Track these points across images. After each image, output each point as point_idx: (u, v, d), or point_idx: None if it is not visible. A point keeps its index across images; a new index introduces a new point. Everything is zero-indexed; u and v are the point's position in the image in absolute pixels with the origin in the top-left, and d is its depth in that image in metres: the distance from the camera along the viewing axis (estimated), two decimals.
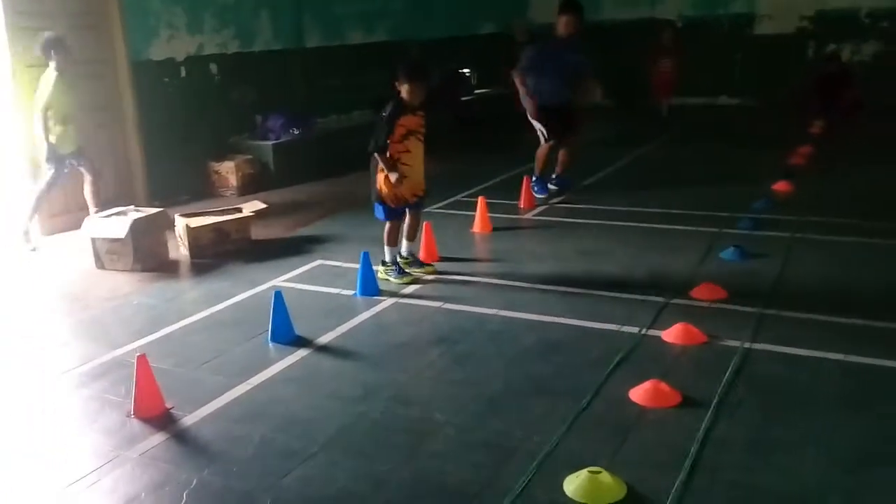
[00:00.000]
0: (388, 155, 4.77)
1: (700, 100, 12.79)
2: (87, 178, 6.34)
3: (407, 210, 5.05)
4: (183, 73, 7.87)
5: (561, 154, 7.17)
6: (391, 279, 4.96)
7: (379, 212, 4.97)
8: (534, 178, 7.04)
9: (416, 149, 4.88)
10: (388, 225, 5.00)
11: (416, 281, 4.98)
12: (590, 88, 7.25)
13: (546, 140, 6.95)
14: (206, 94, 8.12)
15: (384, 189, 4.87)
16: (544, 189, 7.07)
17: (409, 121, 4.80)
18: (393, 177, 4.74)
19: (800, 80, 11.08)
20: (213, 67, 8.21)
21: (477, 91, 12.23)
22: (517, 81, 6.83)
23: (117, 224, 5.53)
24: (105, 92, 7.18)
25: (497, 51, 12.82)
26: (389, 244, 5.03)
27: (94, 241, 5.59)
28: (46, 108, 5.97)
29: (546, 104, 6.82)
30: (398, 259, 5.09)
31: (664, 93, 12.03)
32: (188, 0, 7.83)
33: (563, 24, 6.76)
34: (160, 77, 7.66)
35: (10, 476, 3.03)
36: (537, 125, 6.94)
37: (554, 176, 7.21)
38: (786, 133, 9.59)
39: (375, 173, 4.91)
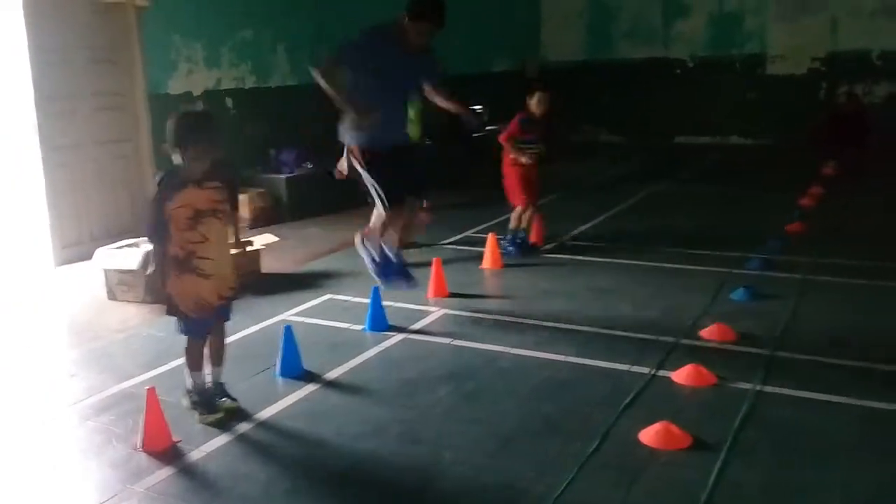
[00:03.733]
0: (169, 254, 3.47)
1: (712, 139, 12.85)
2: None
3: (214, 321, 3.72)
4: (200, 107, 7.98)
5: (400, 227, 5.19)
6: (197, 417, 3.64)
7: (178, 325, 3.65)
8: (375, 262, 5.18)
9: (216, 234, 3.53)
10: (187, 342, 3.68)
11: (223, 421, 3.62)
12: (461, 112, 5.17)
13: (385, 207, 4.89)
14: (222, 127, 8.18)
15: (176, 296, 3.53)
16: (388, 275, 5.13)
17: (192, 197, 3.44)
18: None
19: (817, 119, 11.10)
20: (230, 101, 8.33)
21: (489, 127, 12.30)
22: (334, 85, 4.66)
23: (129, 255, 5.56)
24: (123, 124, 7.28)
25: (510, 88, 12.96)
26: (192, 367, 3.71)
27: (105, 272, 5.62)
28: None
29: (378, 144, 4.80)
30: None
31: None
32: (207, 35, 7.97)
33: (416, 34, 4.74)
34: (177, 110, 7.74)
35: None
36: (368, 180, 4.88)
37: (390, 254, 5.17)
38: (798, 173, 9.59)
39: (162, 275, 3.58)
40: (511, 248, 6.35)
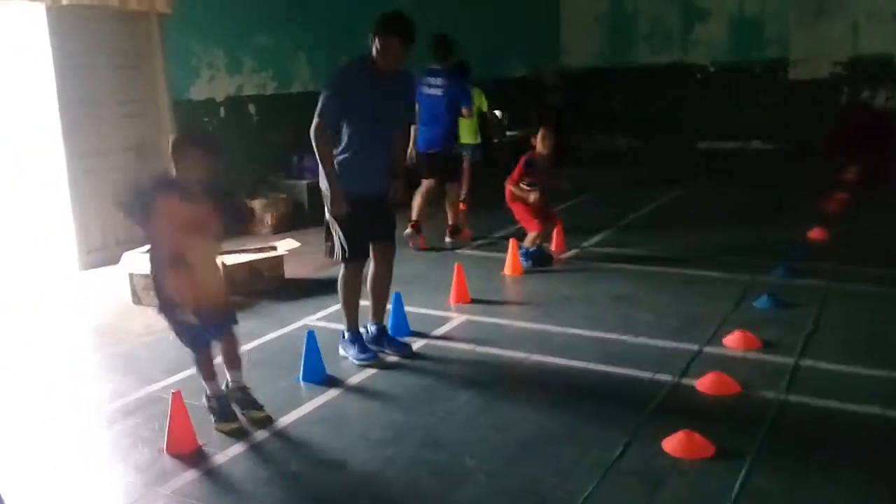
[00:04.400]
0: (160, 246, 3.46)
1: (734, 144, 12.78)
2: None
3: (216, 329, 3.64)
4: (222, 114, 8.07)
5: (372, 286, 4.55)
6: (214, 425, 3.62)
7: (178, 334, 3.64)
8: (347, 336, 4.51)
9: (198, 249, 3.46)
10: (192, 355, 3.68)
11: (240, 431, 3.59)
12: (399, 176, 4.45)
13: (346, 260, 4.37)
14: (244, 133, 8.29)
15: (171, 288, 3.45)
16: (365, 351, 4.44)
17: (177, 205, 3.37)
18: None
19: (833, 127, 11.02)
20: (252, 108, 8.40)
21: (508, 133, 12.32)
22: (321, 155, 4.18)
23: None
24: (146, 130, 7.36)
25: (528, 93, 12.98)
26: (204, 378, 3.68)
27: (131, 276, 5.69)
28: None
29: (357, 192, 4.21)
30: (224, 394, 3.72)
31: None
32: (229, 42, 8.05)
33: (387, 53, 4.15)
34: (200, 116, 7.86)
35: None
36: (336, 230, 4.32)
37: (372, 327, 4.59)
38: (820, 179, 9.51)
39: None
40: (525, 260, 6.25)
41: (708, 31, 13.01)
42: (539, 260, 6.30)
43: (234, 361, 3.78)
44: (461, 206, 7.54)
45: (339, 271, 4.46)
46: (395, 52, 4.12)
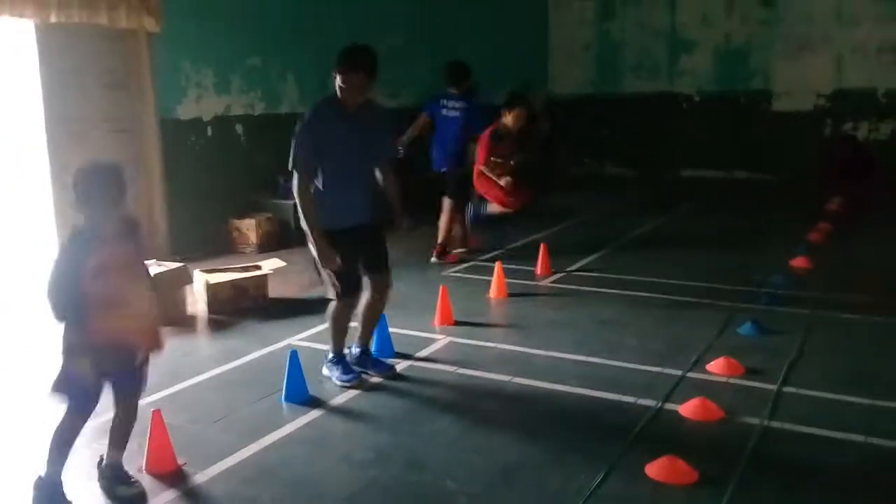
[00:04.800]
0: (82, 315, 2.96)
1: (717, 173, 12.90)
2: None
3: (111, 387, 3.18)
4: (209, 133, 8.06)
5: (365, 311, 4.48)
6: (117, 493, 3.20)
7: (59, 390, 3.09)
8: (331, 357, 4.47)
9: (126, 291, 3.08)
10: (64, 416, 3.11)
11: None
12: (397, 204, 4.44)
13: (339, 296, 4.31)
14: (231, 153, 8.29)
15: (92, 335, 3.01)
16: (349, 372, 4.38)
17: (102, 255, 2.99)
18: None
19: (822, 159, 11.15)
20: (239, 128, 8.40)
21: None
22: (307, 215, 4.11)
23: None
24: (133, 148, 7.33)
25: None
26: (68, 443, 3.14)
27: None
28: None
29: (337, 226, 4.16)
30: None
31: None
32: (217, 62, 8.07)
33: (349, 88, 4.15)
34: (187, 136, 7.85)
35: None
36: (325, 272, 4.26)
37: (356, 349, 4.56)
38: (804, 209, 9.61)
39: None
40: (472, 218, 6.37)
41: (694, 61, 13.19)
42: (479, 218, 6.45)
43: (121, 440, 3.26)
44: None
45: (331, 303, 4.40)
46: (357, 86, 4.08)
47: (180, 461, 3.44)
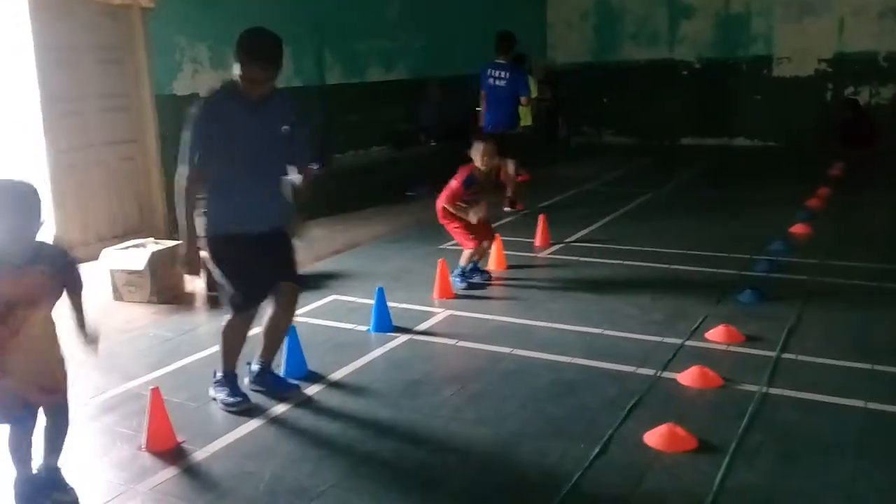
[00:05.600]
0: None
1: (718, 140, 12.83)
2: None
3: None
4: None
5: (269, 323, 3.93)
6: None
7: None
8: (218, 377, 3.88)
9: (32, 327, 2.82)
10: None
11: None
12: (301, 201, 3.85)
13: (236, 308, 3.78)
14: None
15: None
16: (236, 394, 3.81)
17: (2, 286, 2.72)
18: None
19: (819, 123, 11.08)
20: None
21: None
22: (187, 210, 3.64)
23: (136, 256, 5.57)
24: (129, 125, 7.29)
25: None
26: (47, 450, 3.03)
27: (112, 272, 5.63)
28: None
29: (237, 231, 3.66)
30: None
31: None
32: (213, 36, 7.98)
33: (253, 80, 3.61)
34: (183, 111, 7.73)
35: None
36: (220, 276, 3.77)
37: (255, 365, 3.98)
38: (804, 175, 9.56)
39: None
40: (460, 282, 5.60)
41: (694, 27, 13.04)
42: (474, 280, 5.70)
43: (54, 445, 3.01)
44: (520, 177, 8.73)
45: (225, 317, 3.84)
46: (262, 77, 3.57)
47: (180, 438, 3.44)
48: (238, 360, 3.88)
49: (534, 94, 9.47)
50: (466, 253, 5.69)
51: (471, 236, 5.62)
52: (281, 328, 3.95)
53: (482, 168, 5.51)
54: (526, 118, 9.25)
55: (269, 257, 3.75)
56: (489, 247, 5.90)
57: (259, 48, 3.60)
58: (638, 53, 13.47)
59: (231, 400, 3.77)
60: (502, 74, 8.24)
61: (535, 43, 13.83)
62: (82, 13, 6.78)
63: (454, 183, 5.52)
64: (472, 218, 5.50)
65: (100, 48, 6.99)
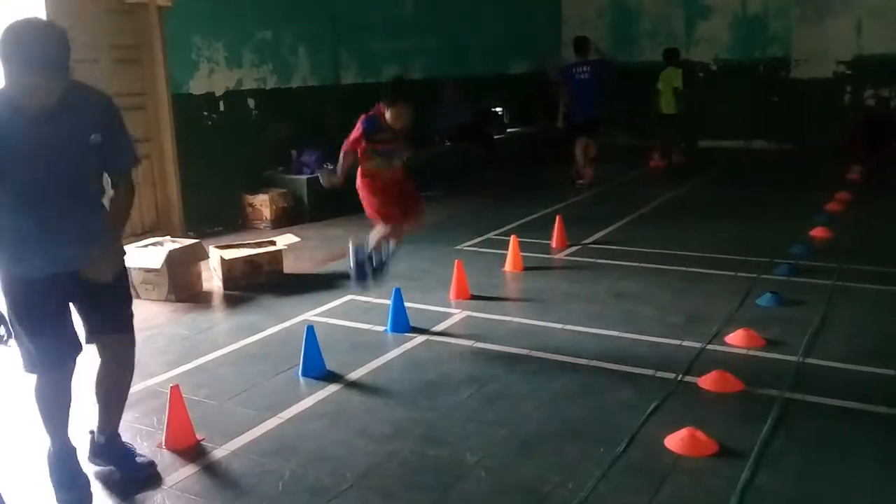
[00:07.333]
0: None
1: (735, 143, 12.74)
2: None
3: None
4: (221, 108, 8.01)
5: (98, 383, 3.24)
6: None
7: None
8: (48, 451, 3.13)
9: None
10: None
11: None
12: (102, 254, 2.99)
13: (39, 369, 3.02)
14: (243, 128, 8.25)
15: None
16: (67, 473, 3.09)
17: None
18: None
19: (849, 124, 10.97)
20: (251, 102, 8.35)
21: (509, 130, 12.29)
22: None
23: (153, 254, 5.59)
24: (145, 124, 7.32)
25: (531, 90, 12.94)
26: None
27: (129, 270, 5.64)
28: None
29: (33, 275, 2.90)
30: None
31: None
32: (229, 36, 8.00)
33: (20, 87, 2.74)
34: (199, 110, 7.81)
35: None
36: (13, 327, 2.94)
37: (100, 436, 3.26)
38: (823, 178, 9.48)
39: None
40: (354, 273, 4.89)
41: (710, 28, 12.96)
42: (363, 272, 4.83)
43: None
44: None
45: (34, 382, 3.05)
46: (32, 83, 2.68)
47: (199, 436, 3.45)
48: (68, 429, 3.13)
49: (676, 85, 11.12)
50: (374, 230, 4.79)
51: (376, 207, 4.68)
52: (114, 386, 3.20)
53: (392, 124, 4.54)
54: (669, 107, 11.11)
55: (82, 303, 3.05)
56: (403, 232, 4.84)
57: (44, 49, 2.68)
58: (655, 53, 13.38)
59: (65, 496, 3.01)
60: (585, 69, 9.59)
61: (550, 42, 13.80)
62: (99, 12, 6.81)
63: (356, 128, 4.57)
64: (325, 180, 4.67)
65: (117, 47, 7.02)
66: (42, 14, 6.38)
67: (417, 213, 4.89)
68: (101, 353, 3.16)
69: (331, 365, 4.21)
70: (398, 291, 4.80)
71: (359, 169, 4.70)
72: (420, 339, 4.65)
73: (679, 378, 3.95)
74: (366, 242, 4.85)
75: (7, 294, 2.93)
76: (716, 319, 4.76)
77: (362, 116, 4.58)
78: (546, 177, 10.50)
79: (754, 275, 5.67)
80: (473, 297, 5.37)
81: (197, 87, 7.76)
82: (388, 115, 4.55)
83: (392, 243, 4.89)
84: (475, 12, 11.79)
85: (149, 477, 3.16)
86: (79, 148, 2.88)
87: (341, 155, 4.63)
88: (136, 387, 4.04)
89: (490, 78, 12.16)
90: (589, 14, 13.84)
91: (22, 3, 6.34)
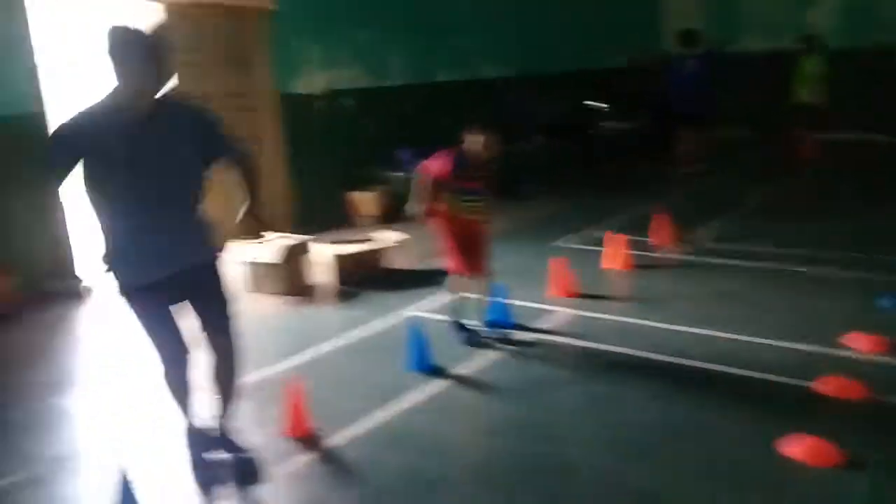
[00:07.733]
0: None
1: (846, 135, 12.11)
2: None
3: None
4: (324, 107, 8.24)
5: (211, 377, 3.30)
6: None
7: None
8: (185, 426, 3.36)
9: None
10: None
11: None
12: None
13: (163, 365, 3.17)
14: (343, 126, 8.45)
15: None
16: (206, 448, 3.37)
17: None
18: None
19: None
20: (349, 101, 8.55)
21: (608, 125, 12.10)
22: None
23: (272, 250, 5.79)
24: (254, 124, 7.60)
25: (627, 83, 12.68)
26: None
27: (246, 265, 5.88)
28: None
29: (145, 281, 3.03)
30: None
31: None
32: (325, 37, 8.23)
33: (126, 86, 2.89)
34: (302, 110, 8.05)
35: (164, 490, 3.21)
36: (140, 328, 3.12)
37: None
38: None
39: None
40: (461, 334, 4.65)
41: (818, 15, 12.40)
42: (471, 336, 4.58)
43: None
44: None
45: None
46: (138, 82, 2.83)
47: (315, 425, 3.57)
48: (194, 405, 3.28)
49: (813, 71, 10.91)
50: (451, 281, 4.65)
51: (455, 252, 4.49)
52: (223, 380, 3.28)
53: (481, 154, 4.32)
54: (810, 95, 10.94)
55: (192, 301, 3.16)
56: (478, 281, 4.57)
57: (133, 42, 2.80)
58: (759, 42, 12.90)
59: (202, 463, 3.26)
60: (690, 63, 9.75)
61: (648, 32, 13.51)
62: (212, 16, 7.11)
63: (442, 159, 4.34)
64: (409, 209, 4.44)
65: (226, 49, 7.32)
66: (158, 19, 6.71)
67: (483, 268, 4.58)
68: (207, 347, 3.26)
69: (437, 359, 4.27)
70: (501, 288, 4.81)
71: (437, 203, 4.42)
72: (523, 336, 4.66)
73: (796, 383, 3.81)
74: (452, 310, 4.71)
75: (125, 299, 3.04)
76: (834, 321, 4.55)
77: (447, 150, 4.36)
78: (645, 173, 10.29)
79: (873, 275, 5.40)
80: (575, 295, 5.34)
81: (300, 87, 8.01)
82: (477, 143, 4.29)
83: (480, 296, 4.65)
84: (570, 7, 11.67)
85: (249, 472, 3.24)
86: (177, 152, 2.97)
87: (419, 187, 4.39)
88: (253, 377, 4.22)
89: (587, 72, 12.00)
90: (690, 1, 13.47)
91: (141, 6, 6.68)
